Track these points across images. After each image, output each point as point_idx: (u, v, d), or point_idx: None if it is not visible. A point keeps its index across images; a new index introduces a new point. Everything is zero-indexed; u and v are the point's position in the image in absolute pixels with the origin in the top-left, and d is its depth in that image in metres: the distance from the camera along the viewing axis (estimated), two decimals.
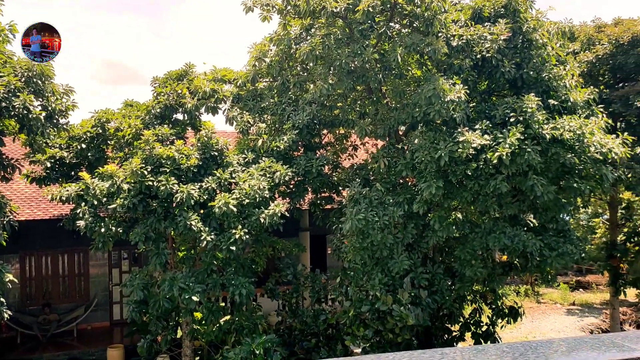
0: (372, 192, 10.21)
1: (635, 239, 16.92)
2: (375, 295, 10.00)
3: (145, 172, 10.35)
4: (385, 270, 10.19)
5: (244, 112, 12.35)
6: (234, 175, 10.94)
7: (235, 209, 10.07)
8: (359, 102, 12.62)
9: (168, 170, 10.52)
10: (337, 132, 13.92)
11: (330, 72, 10.98)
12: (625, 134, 10.54)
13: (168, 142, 11.55)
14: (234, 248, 10.04)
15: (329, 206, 13.24)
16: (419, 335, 10.75)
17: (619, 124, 14.55)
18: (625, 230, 17.25)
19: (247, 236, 10.22)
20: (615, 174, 10.76)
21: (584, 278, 27.01)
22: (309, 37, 11.26)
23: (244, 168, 11.22)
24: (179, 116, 13.14)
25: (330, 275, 14.04)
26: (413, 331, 10.10)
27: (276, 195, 11.65)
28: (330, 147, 13.98)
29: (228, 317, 12.14)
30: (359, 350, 10.79)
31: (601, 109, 11.16)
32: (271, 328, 12.71)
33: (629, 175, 13.17)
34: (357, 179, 11.19)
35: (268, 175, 10.86)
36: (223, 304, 13.48)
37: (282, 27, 11.72)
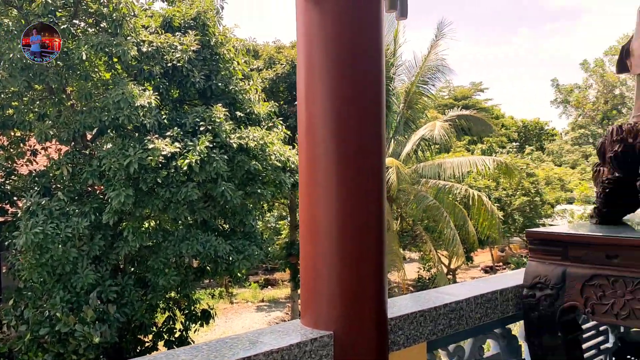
0: (53, 202, 9.31)
1: None
2: (56, 316, 9.10)
3: None
4: (68, 287, 9.37)
5: None
6: None
7: None
8: (38, 102, 11.33)
9: None
10: (12, 134, 12.25)
11: (0, 66, 9.61)
12: None
13: None
14: None
15: (1, 219, 11.55)
16: (108, 351, 10.19)
17: (295, 135, 16.40)
18: None
19: None
20: (292, 180, 12.04)
21: (272, 276, 29.51)
22: None
23: None
24: None
25: (4, 297, 12.25)
26: (99, 349, 9.51)
27: None
28: (4, 151, 12.19)
29: None
30: None
31: (281, 122, 12.38)
32: None
33: None
34: (35, 188, 10.05)
35: None
36: None
37: None
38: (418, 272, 24.32)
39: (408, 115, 17.98)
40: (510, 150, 37.34)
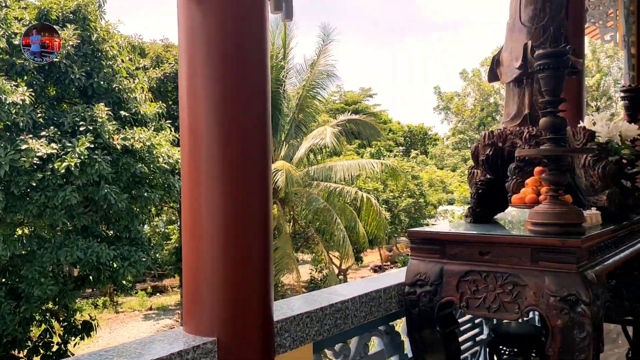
0: None
1: None
2: None
3: None
4: None
5: None
6: None
7: None
8: None
9: None
10: None
11: None
12: None
13: None
14: None
15: None
16: None
17: None
18: None
19: None
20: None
21: (161, 283, 28.43)
22: None
23: None
24: None
25: None
26: None
27: None
28: None
29: None
30: None
31: (169, 123, 11.98)
32: None
33: None
34: None
35: None
36: None
37: None
38: (310, 273, 24.59)
39: (300, 119, 18.15)
40: (397, 154, 38.98)
